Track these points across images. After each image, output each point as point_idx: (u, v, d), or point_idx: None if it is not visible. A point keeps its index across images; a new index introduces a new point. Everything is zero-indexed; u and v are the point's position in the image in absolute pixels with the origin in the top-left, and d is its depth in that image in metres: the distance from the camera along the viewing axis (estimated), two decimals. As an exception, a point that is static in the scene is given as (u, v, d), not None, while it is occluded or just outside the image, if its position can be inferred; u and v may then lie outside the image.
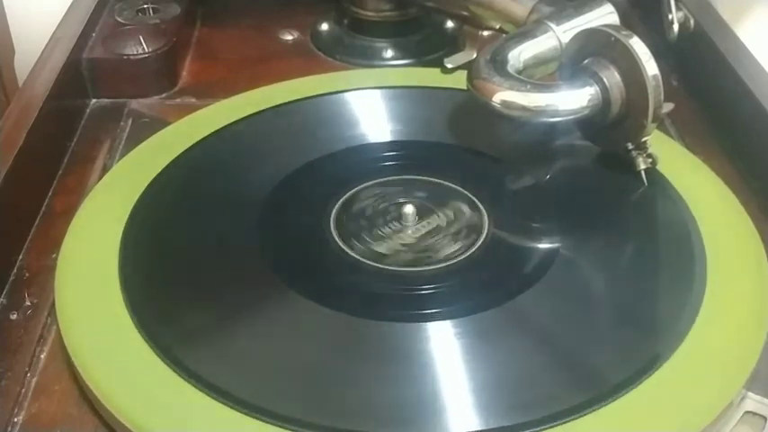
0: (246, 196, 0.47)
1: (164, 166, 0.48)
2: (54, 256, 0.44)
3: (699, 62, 0.57)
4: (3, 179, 0.44)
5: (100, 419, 0.36)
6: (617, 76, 0.44)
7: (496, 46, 0.48)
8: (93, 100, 0.58)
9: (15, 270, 0.44)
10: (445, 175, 0.48)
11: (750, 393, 0.36)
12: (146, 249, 0.43)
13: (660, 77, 0.43)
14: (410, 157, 0.50)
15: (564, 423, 0.34)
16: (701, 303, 0.39)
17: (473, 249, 0.43)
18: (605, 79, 0.45)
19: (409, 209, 0.45)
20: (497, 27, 0.58)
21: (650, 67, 0.43)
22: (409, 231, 0.45)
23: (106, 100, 0.58)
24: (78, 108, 0.56)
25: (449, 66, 0.57)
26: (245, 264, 0.43)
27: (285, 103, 0.54)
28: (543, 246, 0.45)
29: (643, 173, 0.45)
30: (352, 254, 0.43)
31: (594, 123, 0.46)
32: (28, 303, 0.42)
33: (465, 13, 0.60)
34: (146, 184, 0.47)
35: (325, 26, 0.66)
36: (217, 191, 0.48)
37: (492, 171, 0.50)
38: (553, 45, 0.49)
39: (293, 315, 0.40)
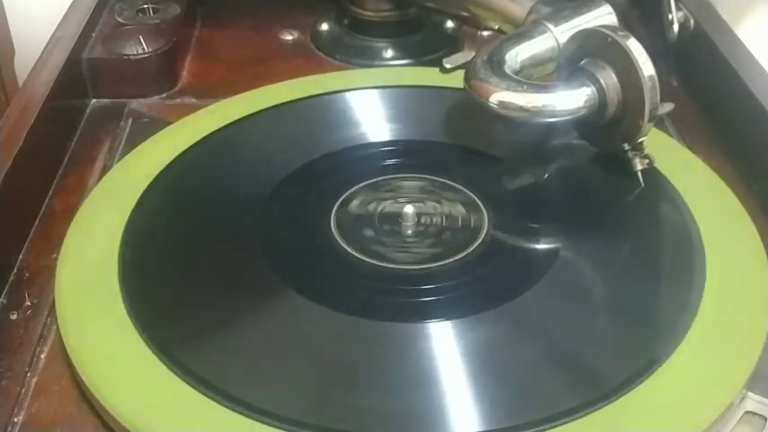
0: (246, 196, 0.47)
1: (164, 166, 0.48)
2: (54, 256, 0.44)
3: (699, 62, 0.57)
4: (3, 179, 0.44)
5: (100, 419, 0.36)
6: (613, 76, 0.44)
7: (494, 46, 0.48)
8: (93, 100, 0.58)
9: (15, 270, 0.44)
10: (445, 174, 0.48)
11: (750, 393, 0.36)
12: (146, 249, 0.43)
13: (656, 78, 0.43)
14: (410, 156, 0.50)
15: (564, 423, 0.34)
16: (701, 303, 0.39)
17: (473, 249, 0.43)
18: (602, 80, 0.45)
19: (409, 209, 0.45)
20: (496, 27, 0.58)
21: (646, 68, 0.43)
22: (409, 231, 0.45)
23: (106, 100, 0.58)
24: (78, 108, 0.56)
25: (447, 66, 0.57)
26: (245, 264, 0.43)
27: (285, 103, 0.54)
28: (543, 246, 0.45)
29: (639, 173, 0.45)
30: (353, 253, 0.43)
31: (591, 124, 0.46)
32: (28, 303, 0.42)
33: (464, 14, 0.60)
34: (146, 185, 0.47)
35: (325, 26, 0.66)
36: (217, 191, 0.48)
37: (492, 171, 0.50)
38: (551, 45, 0.49)
39: (293, 315, 0.40)
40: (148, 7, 0.63)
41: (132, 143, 0.52)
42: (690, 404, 0.35)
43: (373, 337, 0.39)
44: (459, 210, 0.46)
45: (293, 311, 0.40)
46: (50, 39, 0.57)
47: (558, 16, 0.49)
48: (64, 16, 0.60)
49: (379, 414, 0.35)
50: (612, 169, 0.47)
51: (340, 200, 0.47)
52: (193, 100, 0.58)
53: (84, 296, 0.40)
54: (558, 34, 0.48)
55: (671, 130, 0.54)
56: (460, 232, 0.45)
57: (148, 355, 0.37)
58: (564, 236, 0.45)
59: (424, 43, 0.64)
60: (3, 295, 0.42)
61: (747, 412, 0.36)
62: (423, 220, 0.45)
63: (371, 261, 0.43)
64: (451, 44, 0.62)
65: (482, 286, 0.42)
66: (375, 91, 0.55)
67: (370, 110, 0.54)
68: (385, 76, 0.58)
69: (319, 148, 0.51)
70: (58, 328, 0.39)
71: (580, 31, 0.47)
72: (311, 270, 0.43)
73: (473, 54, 0.50)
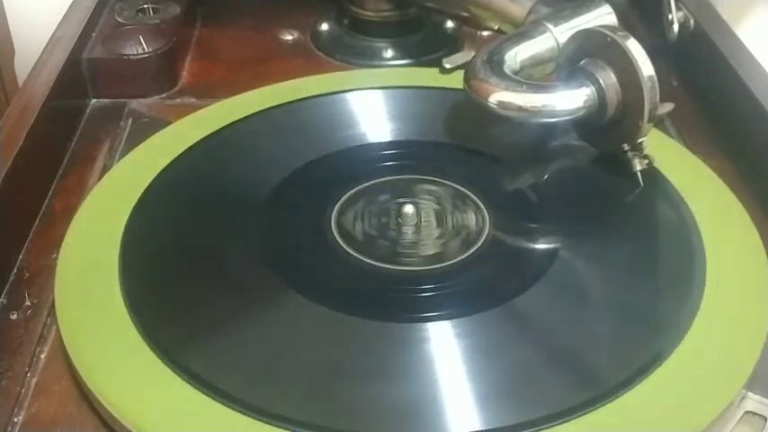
0: (246, 196, 0.47)
1: (164, 166, 0.48)
2: (54, 256, 0.44)
3: (699, 62, 0.57)
4: (3, 179, 0.44)
5: (100, 419, 0.36)
6: (613, 77, 0.44)
7: (493, 46, 0.48)
8: (93, 100, 0.58)
9: (15, 270, 0.44)
10: (445, 174, 0.48)
11: (750, 393, 0.36)
12: (145, 249, 0.43)
13: (656, 78, 0.43)
14: (410, 157, 0.50)
15: (564, 423, 0.34)
16: (701, 303, 0.39)
17: (473, 249, 0.43)
18: (601, 80, 0.45)
19: (409, 209, 0.45)
20: (496, 27, 0.58)
21: (646, 68, 0.43)
22: (409, 231, 0.45)
23: (106, 100, 0.58)
24: (78, 108, 0.56)
25: (447, 66, 0.57)
26: (245, 264, 0.43)
27: (285, 103, 0.54)
28: (543, 246, 0.45)
29: (639, 174, 0.45)
30: (353, 254, 0.43)
31: (591, 124, 0.46)
32: (28, 303, 0.42)
33: (464, 14, 0.60)
34: (146, 185, 0.47)
35: (325, 26, 0.66)
36: (217, 191, 0.48)
37: (492, 171, 0.50)
38: (550, 46, 0.49)
39: (293, 315, 0.40)
40: (148, 7, 0.63)
41: (132, 143, 0.52)
42: (690, 404, 0.35)
43: (373, 337, 0.39)
44: (459, 210, 0.46)
45: (293, 311, 0.40)
46: (50, 39, 0.57)
47: (558, 16, 0.49)
48: (64, 16, 0.60)
49: (380, 413, 0.35)
50: (612, 170, 0.47)
51: (340, 200, 0.47)
52: (193, 100, 0.58)
53: (84, 296, 0.40)
54: (558, 34, 0.48)
55: (671, 130, 0.54)
56: (461, 232, 0.45)
57: (148, 355, 0.37)
58: (564, 236, 0.45)
59: (424, 43, 0.64)
60: (3, 295, 0.42)
61: (747, 412, 0.36)
62: (423, 221, 0.45)
63: (371, 261, 0.43)
64: (451, 44, 0.62)
65: (482, 286, 0.42)
66: (375, 91, 0.55)
67: (370, 110, 0.54)
68: (385, 77, 0.58)
69: (319, 149, 0.51)
70: (57, 328, 0.39)
71: (580, 32, 0.47)
72: (311, 270, 0.43)
73: (473, 54, 0.50)
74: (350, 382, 0.37)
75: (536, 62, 0.49)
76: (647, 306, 0.40)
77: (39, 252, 0.45)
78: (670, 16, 0.56)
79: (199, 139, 0.51)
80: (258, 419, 0.34)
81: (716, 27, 0.57)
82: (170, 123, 0.53)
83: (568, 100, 0.45)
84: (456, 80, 0.50)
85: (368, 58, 0.63)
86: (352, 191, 0.47)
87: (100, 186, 0.48)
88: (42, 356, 0.39)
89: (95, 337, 0.38)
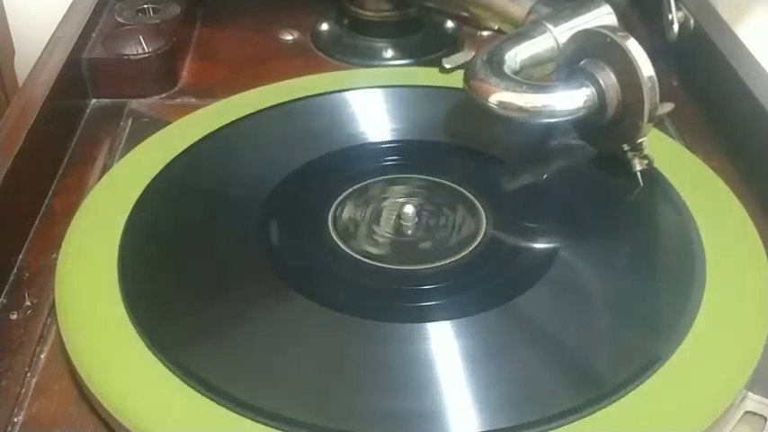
0: (246, 196, 0.47)
1: (163, 165, 0.48)
2: (54, 256, 0.44)
3: (699, 62, 0.57)
4: (3, 179, 0.44)
5: (100, 419, 0.36)
6: (613, 77, 0.44)
7: (493, 47, 0.48)
8: (93, 100, 0.58)
9: (15, 270, 0.44)
10: (445, 174, 0.48)
11: (750, 393, 0.36)
12: (145, 249, 0.43)
13: (656, 79, 0.43)
14: (410, 156, 0.50)
15: (564, 423, 0.34)
16: (701, 303, 0.39)
17: (472, 249, 0.43)
18: (601, 80, 0.45)
19: (409, 208, 0.45)
20: (496, 27, 0.58)
21: (646, 68, 0.43)
22: (409, 231, 0.45)
23: (106, 100, 0.58)
24: (78, 108, 0.56)
25: (447, 66, 0.57)
26: (245, 264, 0.43)
27: (285, 103, 0.54)
28: (543, 246, 0.45)
29: (639, 174, 0.45)
30: (352, 254, 0.43)
31: (591, 124, 0.46)
32: (28, 303, 0.42)
33: (464, 14, 0.60)
34: (145, 184, 0.47)
35: (325, 26, 0.66)
36: (216, 191, 0.48)
37: (491, 171, 0.50)
38: (550, 46, 0.49)
39: (293, 315, 0.40)
40: (148, 7, 0.63)
41: (132, 143, 0.52)
42: (690, 404, 0.35)
43: (373, 338, 0.39)
44: (458, 209, 0.46)
45: (293, 311, 0.40)
46: (50, 39, 0.57)
47: (558, 16, 0.49)
48: (64, 16, 0.60)
49: (380, 414, 0.35)
50: (612, 170, 0.47)
51: (339, 200, 0.47)
52: (193, 100, 0.58)
53: (84, 296, 0.40)
54: (558, 34, 0.48)
55: (671, 130, 0.54)
56: (460, 232, 0.45)
57: (148, 355, 0.37)
58: (563, 236, 0.45)
59: (424, 43, 0.64)
60: (3, 295, 0.42)
61: (747, 412, 0.36)
62: (422, 220, 0.45)
63: (371, 261, 0.43)
64: (451, 44, 0.62)
65: (482, 286, 0.42)
66: (375, 91, 0.55)
67: (369, 110, 0.54)
68: (385, 76, 0.58)
69: (319, 148, 0.51)
70: (58, 328, 0.39)
71: (580, 32, 0.47)
72: (311, 270, 0.43)
73: (473, 54, 0.50)
74: (350, 381, 0.37)
75: (536, 62, 0.49)
76: (648, 306, 0.40)
77: (39, 252, 0.45)
78: (670, 16, 0.56)
79: (198, 138, 0.51)
80: (257, 420, 0.34)
81: (716, 27, 0.57)
82: (170, 123, 0.53)
83: (568, 100, 0.45)
84: (456, 80, 0.50)
85: (368, 58, 0.62)
86: (352, 190, 0.47)
87: (100, 186, 0.48)
88: (42, 356, 0.39)
89: (95, 337, 0.38)
